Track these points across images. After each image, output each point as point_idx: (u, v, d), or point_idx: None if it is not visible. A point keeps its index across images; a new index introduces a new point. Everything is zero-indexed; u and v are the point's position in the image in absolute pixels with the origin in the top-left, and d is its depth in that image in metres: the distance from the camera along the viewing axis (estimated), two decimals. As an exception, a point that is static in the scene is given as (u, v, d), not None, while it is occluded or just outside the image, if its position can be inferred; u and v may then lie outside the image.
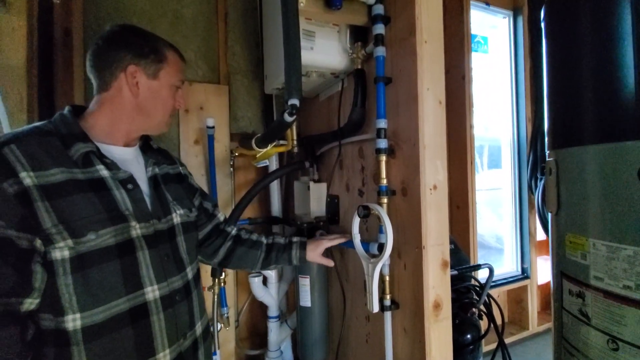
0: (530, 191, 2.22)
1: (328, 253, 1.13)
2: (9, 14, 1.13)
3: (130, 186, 0.71)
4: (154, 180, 0.79)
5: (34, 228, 0.58)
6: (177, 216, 0.80)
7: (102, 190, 0.66)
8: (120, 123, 0.74)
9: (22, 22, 1.15)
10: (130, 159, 0.77)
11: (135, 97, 0.74)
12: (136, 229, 0.69)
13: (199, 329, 0.81)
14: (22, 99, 1.14)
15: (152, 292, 0.69)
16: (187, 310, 0.77)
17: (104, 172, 0.68)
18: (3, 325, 0.56)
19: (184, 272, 0.78)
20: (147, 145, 0.85)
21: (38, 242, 0.59)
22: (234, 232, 1.02)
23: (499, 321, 1.36)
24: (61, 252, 0.60)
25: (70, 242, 0.60)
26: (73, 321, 0.61)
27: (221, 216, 1.02)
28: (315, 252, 1.06)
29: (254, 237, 1.04)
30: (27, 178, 0.58)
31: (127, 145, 0.77)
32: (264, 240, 1.04)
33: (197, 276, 0.86)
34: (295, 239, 1.07)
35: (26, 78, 1.15)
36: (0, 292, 0.56)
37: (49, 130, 0.66)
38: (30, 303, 0.59)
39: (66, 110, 0.71)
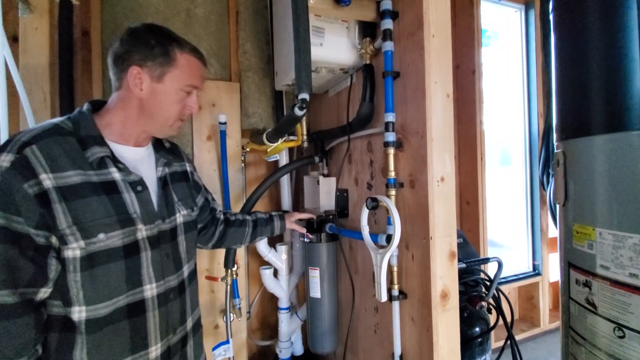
0: (542, 187, 2.20)
1: (303, 225, 1.34)
2: (32, 14, 1.19)
3: (139, 188, 0.73)
4: (163, 180, 0.81)
5: (51, 226, 0.62)
6: (181, 216, 0.83)
7: (113, 192, 0.69)
8: (130, 123, 0.76)
9: (45, 23, 1.21)
10: (141, 158, 0.79)
11: (139, 98, 0.74)
12: (142, 232, 0.72)
13: (189, 324, 0.84)
14: (45, 97, 1.19)
15: (150, 289, 0.73)
16: (179, 308, 0.80)
17: (116, 174, 0.70)
18: (21, 314, 0.60)
19: (180, 271, 0.81)
20: (159, 144, 0.87)
21: (54, 239, 0.63)
22: (221, 216, 1.09)
23: (508, 317, 1.37)
24: (73, 252, 0.64)
25: (82, 242, 0.64)
26: (79, 313, 0.65)
27: (217, 206, 1.09)
28: (290, 220, 1.25)
29: (240, 216, 1.14)
30: (47, 180, 0.61)
31: (137, 145, 0.79)
32: (248, 217, 1.15)
33: (193, 273, 0.89)
34: (274, 213, 1.23)
35: (49, 77, 1.20)
36: (20, 283, 0.60)
37: (67, 130, 0.68)
38: (45, 292, 0.63)
39: (85, 107, 0.73)
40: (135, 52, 0.73)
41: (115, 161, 0.71)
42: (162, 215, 0.77)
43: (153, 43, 0.73)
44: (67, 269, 0.64)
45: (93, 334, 0.66)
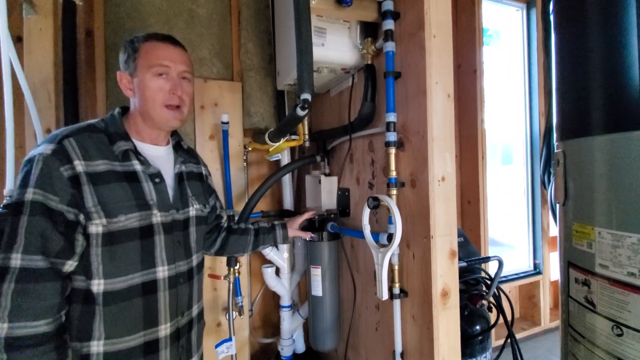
0: (543, 186, 2.20)
1: (306, 226, 1.36)
2: (36, 15, 1.20)
3: (157, 180, 0.83)
4: (179, 176, 0.90)
5: (80, 205, 0.71)
6: (193, 209, 0.92)
7: (134, 181, 0.79)
8: (138, 122, 0.85)
9: (49, 23, 1.22)
10: (161, 156, 0.88)
11: (133, 97, 0.84)
12: (157, 217, 0.81)
13: (195, 310, 0.92)
14: (50, 96, 1.21)
15: (162, 271, 0.81)
16: (187, 292, 0.88)
17: (138, 166, 0.80)
18: (50, 279, 0.68)
19: (190, 258, 0.89)
20: (179, 146, 0.97)
21: (81, 217, 0.72)
22: (225, 225, 1.13)
23: (509, 315, 1.37)
24: (96, 227, 0.73)
25: (104, 220, 0.73)
26: (98, 285, 0.73)
27: (223, 214, 1.14)
28: (293, 228, 1.25)
29: (242, 225, 1.19)
30: (80, 165, 0.72)
31: (155, 143, 0.88)
32: (251, 226, 1.19)
33: (201, 264, 0.97)
34: (277, 222, 1.24)
35: (53, 76, 1.21)
36: (51, 253, 0.68)
37: (99, 128, 0.80)
38: (71, 265, 0.71)
39: (116, 111, 0.85)
40: (119, 61, 0.84)
41: (137, 154, 0.81)
42: (176, 206, 0.86)
43: (127, 46, 0.83)
44: (90, 243, 0.73)
45: (109, 307, 0.74)
